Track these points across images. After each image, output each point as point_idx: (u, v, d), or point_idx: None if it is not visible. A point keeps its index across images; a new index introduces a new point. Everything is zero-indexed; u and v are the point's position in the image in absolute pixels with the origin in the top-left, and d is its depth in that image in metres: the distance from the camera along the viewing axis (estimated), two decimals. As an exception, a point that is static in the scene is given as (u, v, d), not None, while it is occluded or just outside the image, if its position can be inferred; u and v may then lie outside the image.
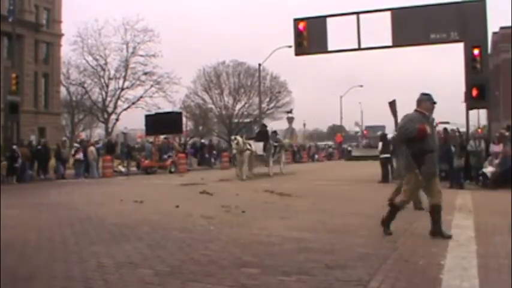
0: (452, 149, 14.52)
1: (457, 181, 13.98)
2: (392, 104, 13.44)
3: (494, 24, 51.84)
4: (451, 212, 8.58)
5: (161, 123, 24.11)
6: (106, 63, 42.80)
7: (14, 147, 18.29)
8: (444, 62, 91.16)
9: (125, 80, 43.09)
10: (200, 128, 49.01)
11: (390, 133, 26.98)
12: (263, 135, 20.84)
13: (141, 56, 42.69)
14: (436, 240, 6.14)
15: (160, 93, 42.96)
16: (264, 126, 23.66)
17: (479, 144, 14.58)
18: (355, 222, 7.69)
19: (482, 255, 5.23)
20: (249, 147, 18.76)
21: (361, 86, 57.11)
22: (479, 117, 39.75)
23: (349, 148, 48.41)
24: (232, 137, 20.50)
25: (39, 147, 20.14)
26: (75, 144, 22.06)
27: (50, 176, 19.91)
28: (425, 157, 6.18)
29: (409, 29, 17.30)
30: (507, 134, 15.17)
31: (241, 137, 20.10)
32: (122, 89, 43.33)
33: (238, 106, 48.55)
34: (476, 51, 16.66)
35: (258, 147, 19.62)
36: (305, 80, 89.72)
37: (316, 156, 43.25)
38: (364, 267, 4.76)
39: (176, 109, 38.57)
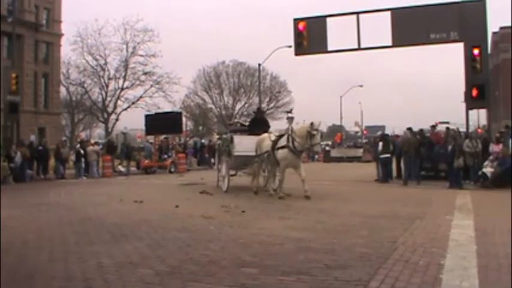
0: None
1: (457, 181, 13.98)
2: None
3: (494, 24, 51.90)
4: (451, 212, 8.58)
5: (161, 123, 24.10)
6: (106, 63, 42.90)
7: (13, 147, 18.30)
8: (444, 62, 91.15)
9: (124, 80, 43.18)
10: (200, 128, 49.05)
11: (390, 133, 26.97)
12: (260, 124, 13.62)
13: (141, 56, 42.79)
14: (436, 240, 6.15)
15: (160, 93, 43.06)
16: (261, 111, 15.80)
17: (476, 144, 14.57)
18: (355, 222, 7.68)
19: (482, 255, 5.23)
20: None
21: (361, 86, 57.16)
22: (479, 117, 39.81)
23: (327, 148, 41.17)
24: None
25: (40, 147, 20.13)
26: (77, 146, 21.95)
27: (50, 176, 19.91)
28: None
29: (409, 29, 17.31)
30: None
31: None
32: (122, 89, 43.41)
33: (238, 106, 48.73)
34: (476, 51, 16.68)
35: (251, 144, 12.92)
36: (305, 80, 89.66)
37: (316, 156, 43.10)
38: (364, 267, 4.76)
39: (176, 109, 38.61)
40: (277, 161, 11.72)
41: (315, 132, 11.13)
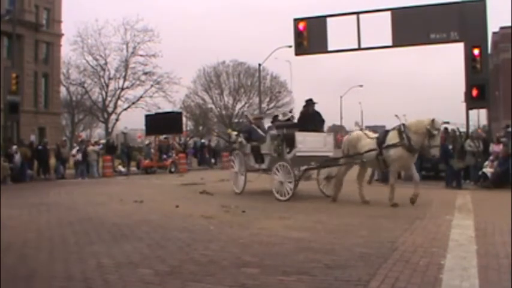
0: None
1: (457, 181, 13.98)
2: None
3: (494, 24, 51.85)
4: (451, 212, 8.57)
5: (161, 123, 24.13)
6: (106, 63, 42.90)
7: (14, 147, 18.31)
8: (444, 62, 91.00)
9: (125, 80, 43.19)
10: (200, 128, 49.04)
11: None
12: (313, 119, 11.77)
13: (141, 56, 42.80)
14: (436, 240, 6.14)
15: (160, 93, 43.09)
16: (313, 103, 12.04)
17: (479, 144, 14.58)
18: (355, 222, 7.68)
19: (482, 255, 5.23)
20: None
21: (361, 86, 57.09)
22: (479, 117, 39.86)
23: None
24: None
25: (40, 147, 20.14)
26: (75, 145, 22.00)
27: (50, 176, 19.91)
28: None
29: (409, 29, 17.34)
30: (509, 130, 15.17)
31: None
32: (122, 89, 43.42)
33: (238, 106, 48.72)
34: (476, 51, 16.71)
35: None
36: (305, 80, 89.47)
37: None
38: (364, 267, 4.76)
39: (176, 109, 38.62)
40: (384, 162, 10.04)
41: (435, 132, 9.46)
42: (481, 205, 9.77)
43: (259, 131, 12.39)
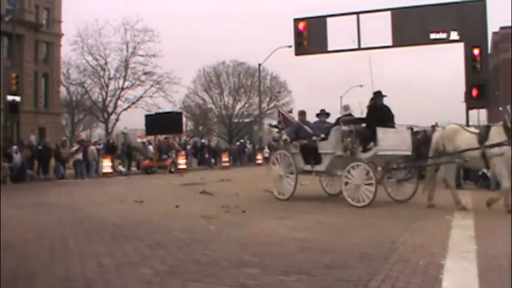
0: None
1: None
2: None
3: (494, 24, 51.80)
4: (451, 212, 8.57)
5: (161, 123, 24.16)
6: (106, 63, 42.96)
7: (14, 147, 18.33)
8: (444, 62, 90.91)
9: (125, 80, 43.25)
10: (200, 128, 49.08)
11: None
12: (382, 115, 10.29)
13: (141, 56, 42.87)
14: (436, 240, 6.14)
15: (160, 93, 43.16)
16: (380, 94, 10.60)
17: None
18: (355, 222, 7.68)
19: (482, 255, 5.23)
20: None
21: (361, 86, 56.99)
22: (479, 117, 39.75)
23: None
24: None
25: (39, 147, 20.16)
26: (74, 144, 22.03)
27: (50, 176, 19.92)
28: None
29: (409, 29, 17.33)
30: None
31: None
32: (122, 89, 43.48)
33: (238, 106, 48.82)
34: (476, 51, 16.69)
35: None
36: (305, 80, 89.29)
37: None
38: (364, 267, 4.75)
39: (176, 109, 38.68)
40: (485, 162, 8.73)
41: None
42: (481, 205, 9.76)
43: (306, 127, 11.29)
